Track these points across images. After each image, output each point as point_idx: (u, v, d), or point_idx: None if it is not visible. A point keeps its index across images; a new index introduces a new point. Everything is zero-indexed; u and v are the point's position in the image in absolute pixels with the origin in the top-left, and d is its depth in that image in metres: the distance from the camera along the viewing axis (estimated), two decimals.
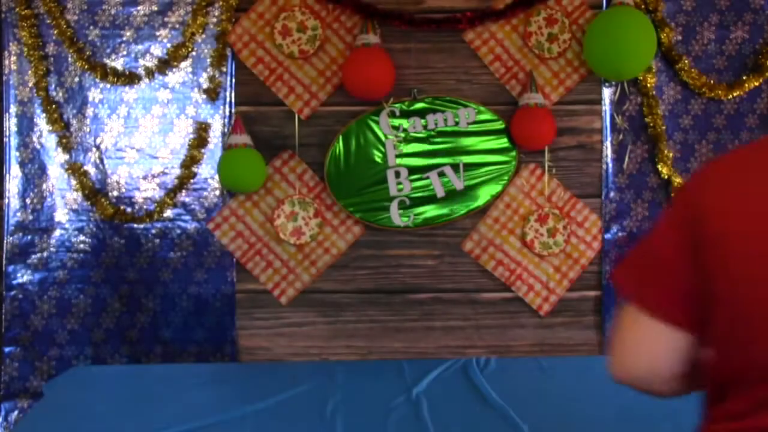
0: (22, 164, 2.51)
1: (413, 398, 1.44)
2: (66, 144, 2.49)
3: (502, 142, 2.50)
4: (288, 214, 2.48)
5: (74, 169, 2.48)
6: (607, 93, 2.51)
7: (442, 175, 2.50)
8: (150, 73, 2.47)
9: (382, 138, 2.48)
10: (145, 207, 2.52)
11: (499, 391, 1.46)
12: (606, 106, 2.51)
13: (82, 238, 2.51)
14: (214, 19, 2.46)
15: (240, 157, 2.37)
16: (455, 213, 2.52)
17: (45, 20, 2.45)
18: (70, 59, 2.46)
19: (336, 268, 2.54)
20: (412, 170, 2.49)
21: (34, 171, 2.51)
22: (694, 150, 2.53)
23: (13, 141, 2.50)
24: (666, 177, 2.49)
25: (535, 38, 2.46)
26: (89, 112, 2.50)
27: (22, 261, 2.51)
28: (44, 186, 2.51)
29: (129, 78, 2.47)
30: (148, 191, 2.52)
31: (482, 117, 2.49)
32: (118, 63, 2.48)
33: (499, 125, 2.49)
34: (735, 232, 0.85)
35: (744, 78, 2.48)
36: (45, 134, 2.50)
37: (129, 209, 2.51)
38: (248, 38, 2.46)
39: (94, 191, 2.49)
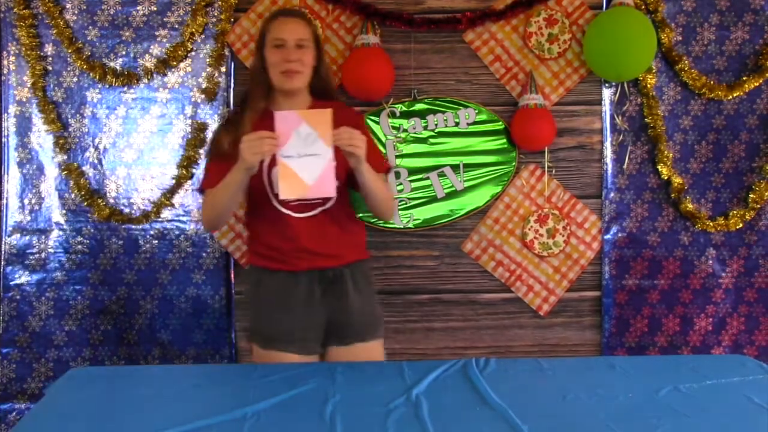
0: (20, 165, 2.50)
1: (413, 399, 1.43)
2: (64, 144, 2.48)
3: (502, 142, 2.50)
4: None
5: (72, 170, 2.47)
6: (607, 93, 2.51)
7: (442, 175, 2.49)
8: (149, 73, 2.46)
9: (383, 138, 2.47)
10: (142, 208, 2.51)
11: (499, 392, 1.45)
12: (606, 107, 2.51)
13: (80, 239, 2.50)
14: (214, 19, 2.45)
15: None
16: (455, 214, 2.51)
17: (44, 20, 2.44)
18: (68, 59, 2.46)
19: None
20: (412, 171, 2.49)
21: (33, 171, 2.50)
22: (694, 150, 2.52)
23: (11, 141, 2.49)
24: (666, 177, 2.49)
25: (535, 39, 2.46)
26: (87, 112, 2.49)
27: (20, 262, 2.50)
28: (42, 187, 2.50)
29: (128, 78, 2.46)
30: (145, 192, 2.51)
31: (482, 117, 2.49)
32: (116, 63, 2.47)
33: (499, 126, 2.49)
34: None
35: (744, 79, 2.48)
36: (43, 135, 2.49)
37: (126, 210, 2.50)
38: (247, 38, 2.45)
39: (92, 192, 2.48)
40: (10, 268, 2.51)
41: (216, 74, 2.46)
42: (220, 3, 2.44)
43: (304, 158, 1.63)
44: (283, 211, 1.76)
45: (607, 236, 2.53)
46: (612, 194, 2.53)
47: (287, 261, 1.80)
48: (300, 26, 1.81)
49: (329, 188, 1.65)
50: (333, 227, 1.82)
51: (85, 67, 2.44)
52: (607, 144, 2.51)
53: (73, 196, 2.49)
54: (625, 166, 2.51)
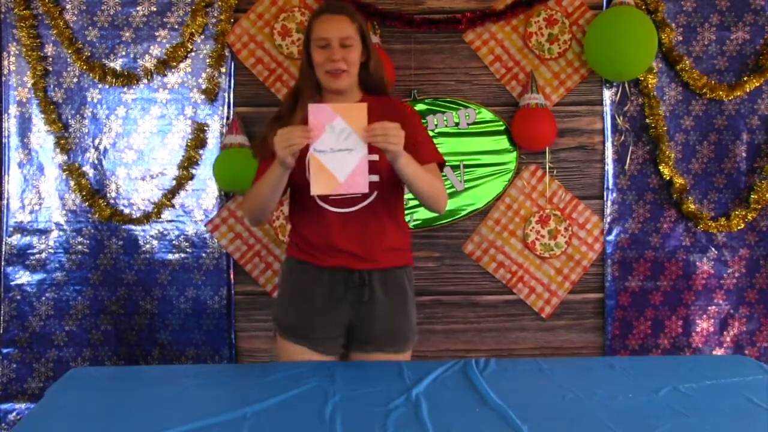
0: (20, 165, 2.50)
1: (413, 399, 1.42)
2: (64, 145, 2.48)
3: (503, 143, 2.49)
4: (287, 215, 2.47)
5: (72, 170, 2.48)
6: (607, 94, 2.50)
7: None
8: (149, 73, 2.46)
9: None
10: (143, 208, 2.51)
11: (499, 392, 1.45)
12: (607, 107, 2.50)
13: (80, 239, 2.50)
14: (213, 20, 2.45)
15: (235, 157, 2.36)
16: (456, 214, 2.51)
17: (44, 21, 2.45)
18: (68, 60, 2.46)
19: None
20: None
21: (33, 172, 2.50)
22: (695, 151, 2.52)
23: (12, 142, 2.49)
24: (668, 178, 2.48)
25: (535, 39, 2.46)
26: (88, 112, 2.49)
27: (20, 262, 2.50)
28: (42, 187, 2.50)
29: (128, 78, 2.46)
30: (146, 192, 2.51)
31: (482, 118, 2.48)
32: (116, 64, 2.47)
33: (500, 126, 2.48)
34: None
35: (745, 79, 2.47)
36: (43, 135, 2.49)
37: (127, 210, 2.50)
38: (247, 39, 2.45)
39: (92, 192, 2.48)
40: (10, 268, 2.51)
41: (216, 75, 2.46)
42: (220, 3, 2.44)
43: (337, 153, 1.59)
44: (323, 206, 1.72)
45: (609, 237, 2.53)
46: (614, 195, 2.52)
47: (316, 255, 1.76)
48: (344, 24, 1.75)
49: (362, 185, 1.60)
50: (371, 227, 1.75)
51: (85, 67, 2.44)
52: (609, 144, 2.51)
53: (73, 196, 2.49)
54: (626, 167, 2.51)
